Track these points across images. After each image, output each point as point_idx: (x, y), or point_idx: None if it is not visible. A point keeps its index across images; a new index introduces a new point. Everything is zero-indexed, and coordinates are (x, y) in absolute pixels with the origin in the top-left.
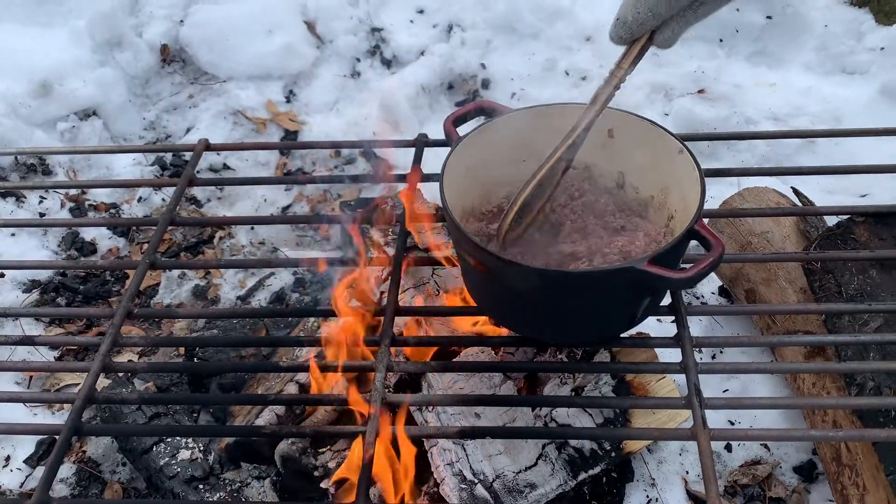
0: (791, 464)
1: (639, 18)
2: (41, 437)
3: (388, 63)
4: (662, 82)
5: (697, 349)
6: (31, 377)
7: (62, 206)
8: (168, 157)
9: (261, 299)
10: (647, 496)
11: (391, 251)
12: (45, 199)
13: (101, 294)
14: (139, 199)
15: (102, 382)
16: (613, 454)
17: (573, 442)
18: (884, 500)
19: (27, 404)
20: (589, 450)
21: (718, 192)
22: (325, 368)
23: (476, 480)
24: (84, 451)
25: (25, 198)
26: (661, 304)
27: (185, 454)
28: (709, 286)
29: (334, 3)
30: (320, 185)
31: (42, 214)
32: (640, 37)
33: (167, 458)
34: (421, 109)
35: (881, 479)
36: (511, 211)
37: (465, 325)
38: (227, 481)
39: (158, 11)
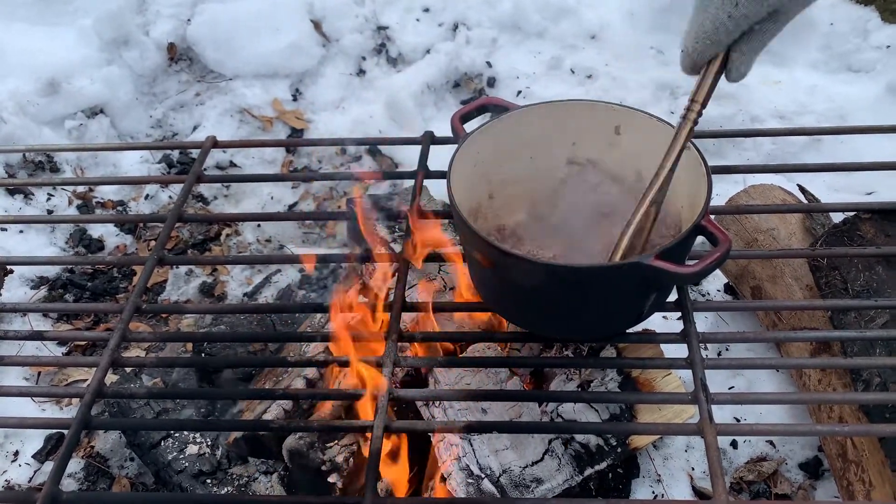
0: (797, 461)
1: (698, 48)
2: (50, 431)
3: (393, 61)
4: (668, 81)
5: (703, 345)
6: (39, 373)
7: (70, 203)
8: (175, 154)
9: (267, 296)
10: (653, 492)
11: (398, 247)
12: (53, 196)
13: (109, 291)
14: (146, 197)
15: (111, 378)
16: (619, 450)
17: (579, 437)
18: (889, 496)
19: (36, 399)
20: (595, 445)
21: (724, 190)
22: (331, 364)
23: (483, 475)
24: (92, 447)
25: (33, 195)
26: (668, 300)
27: (192, 449)
28: (715, 284)
29: (340, 1)
30: (326, 183)
31: (50, 211)
32: (706, 64)
33: (175, 453)
34: (426, 108)
35: (887, 475)
36: (616, 256)
37: (471, 321)
38: (234, 476)
39: (165, 10)
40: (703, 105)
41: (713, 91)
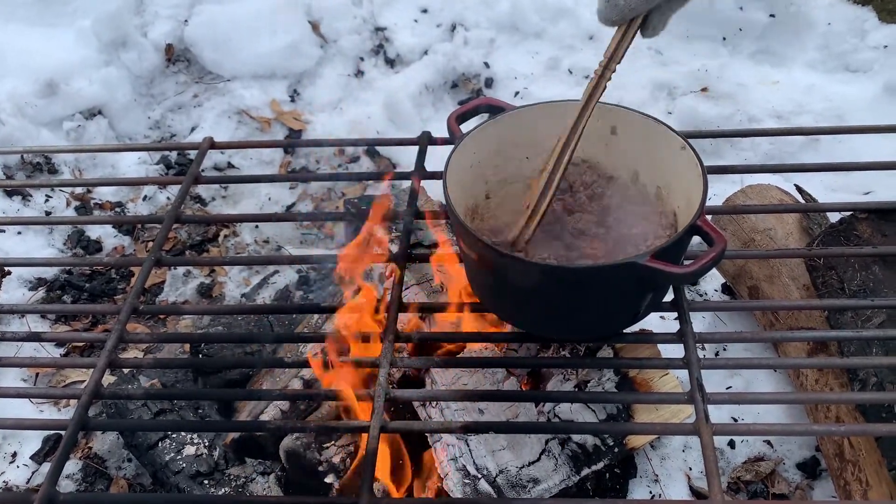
0: (794, 460)
1: (630, 4)
2: (48, 432)
3: (391, 62)
4: (666, 80)
5: (700, 345)
6: (37, 374)
7: (68, 204)
8: (173, 156)
9: (265, 297)
10: (651, 492)
11: (395, 248)
12: (51, 197)
13: (107, 292)
14: (144, 198)
15: (108, 379)
16: (616, 450)
17: (576, 438)
18: (886, 496)
19: (33, 401)
20: (592, 445)
21: (722, 190)
22: (328, 365)
23: (479, 475)
24: (90, 448)
25: (31, 196)
26: (664, 300)
27: (190, 450)
28: (712, 284)
29: (338, 2)
30: (324, 184)
31: (48, 213)
32: (628, 21)
33: (172, 454)
34: (424, 108)
35: (884, 475)
36: (534, 220)
37: (468, 322)
38: (231, 477)
39: (163, 11)
40: (619, 62)
41: (627, 50)
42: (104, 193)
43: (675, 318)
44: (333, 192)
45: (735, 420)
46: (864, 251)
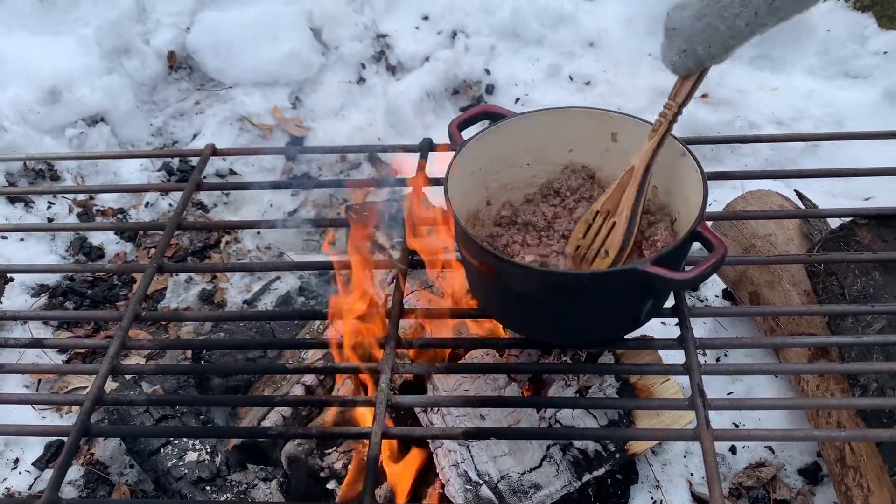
0: (796, 466)
1: (710, 51)
2: (50, 439)
3: (393, 69)
4: (666, 87)
5: (701, 351)
6: (39, 380)
7: (70, 211)
8: (175, 163)
9: (267, 303)
10: (652, 498)
11: (396, 254)
12: (54, 204)
13: (109, 298)
14: (146, 205)
15: (110, 385)
16: (618, 455)
17: (578, 443)
18: (887, 501)
19: (36, 407)
20: (593, 451)
21: (722, 196)
22: (330, 371)
23: (481, 481)
24: (92, 454)
25: (34, 203)
26: (665, 306)
27: (192, 456)
28: (713, 289)
29: (340, 9)
30: (326, 190)
31: (50, 219)
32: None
33: (174, 460)
34: (425, 115)
35: (885, 480)
36: (625, 253)
37: (469, 328)
38: (233, 483)
39: (165, 19)
40: (684, 105)
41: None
42: (106, 200)
43: (676, 324)
44: (335, 199)
45: (736, 425)
46: (865, 257)
